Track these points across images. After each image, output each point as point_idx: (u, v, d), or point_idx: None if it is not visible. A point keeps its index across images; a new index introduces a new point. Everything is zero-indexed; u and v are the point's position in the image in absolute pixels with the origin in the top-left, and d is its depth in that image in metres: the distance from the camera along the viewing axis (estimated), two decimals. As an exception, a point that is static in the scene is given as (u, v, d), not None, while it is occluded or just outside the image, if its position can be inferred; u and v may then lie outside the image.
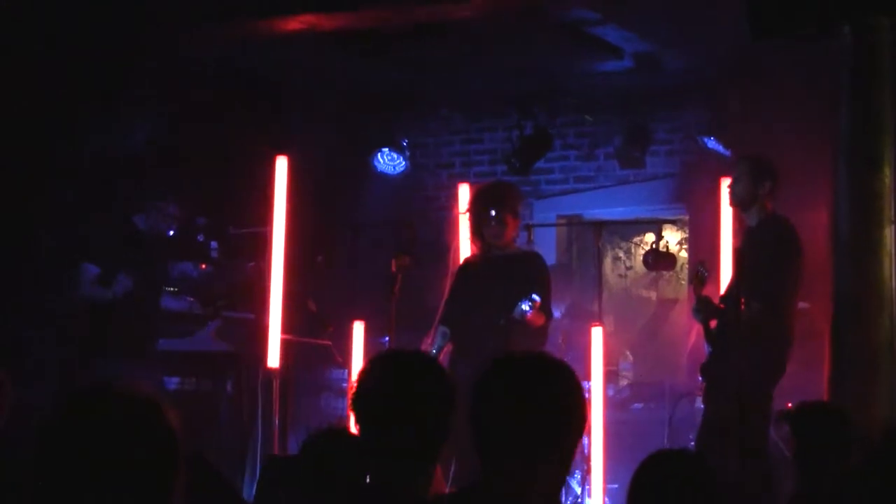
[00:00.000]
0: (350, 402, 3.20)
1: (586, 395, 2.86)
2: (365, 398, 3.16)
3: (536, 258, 7.35)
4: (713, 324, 7.01)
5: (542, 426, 2.77)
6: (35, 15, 7.43)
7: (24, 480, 2.34)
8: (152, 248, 7.62)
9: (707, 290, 7.37)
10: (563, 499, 7.85)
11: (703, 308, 6.98)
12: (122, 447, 2.21)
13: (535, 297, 6.87)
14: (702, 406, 7.27)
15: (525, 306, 6.85)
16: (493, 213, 7.18)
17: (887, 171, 6.06)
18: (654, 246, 8.50)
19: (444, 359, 7.17)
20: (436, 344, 7.25)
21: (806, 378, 7.12)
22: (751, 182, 6.95)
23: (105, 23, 7.56)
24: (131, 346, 7.37)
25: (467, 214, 7.42)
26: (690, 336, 7.64)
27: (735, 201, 7.16)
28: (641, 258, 9.08)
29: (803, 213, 7.32)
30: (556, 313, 7.98)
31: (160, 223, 7.64)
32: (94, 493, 2.19)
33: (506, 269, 7.17)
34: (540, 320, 7.01)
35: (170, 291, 8.23)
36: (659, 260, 8.41)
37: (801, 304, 7.18)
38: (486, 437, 2.83)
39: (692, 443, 7.54)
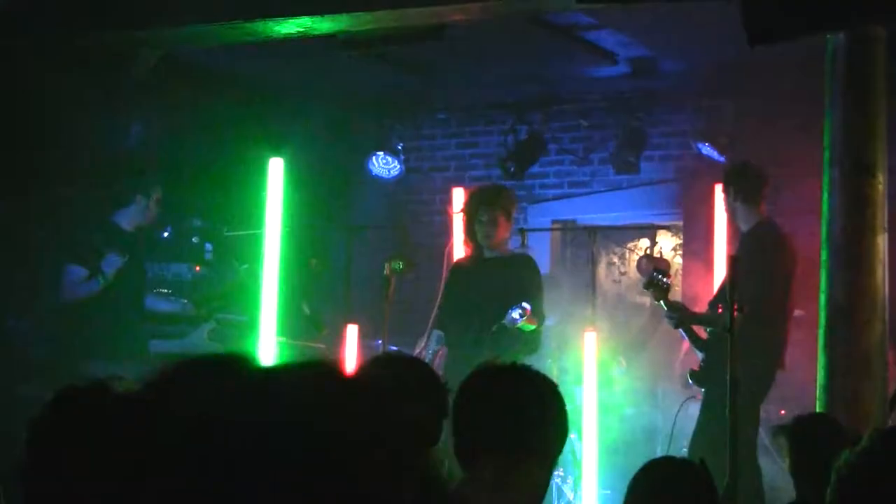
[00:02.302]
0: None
1: (564, 408, 2.86)
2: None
3: (528, 261, 7.36)
4: (702, 333, 7.06)
5: (516, 432, 2.78)
6: (30, 13, 7.42)
7: (15, 476, 2.34)
8: (136, 245, 7.58)
9: (700, 295, 7.37)
10: (556, 504, 7.85)
11: (676, 314, 7.04)
12: (115, 445, 2.21)
13: (525, 304, 6.87)
14: (695, 413, 7.28)
15: (515, 314, 6.85)
16: (485, 213, 7.19)
17: (880, 178, 6.06)
18: (648, 252, 8.51)
19: (439, 363, 7.17)
20: (430, 347, 7.26)
21: (799, 383, 7.13)
22: (724, 192, 7.16)
23: (100, 23, 7.55)
24: (120, 348, 7.36)
25: (461, 215, 7.44)
26: (683, 343, 7.64)
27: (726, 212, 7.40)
28: (635, 264, 9.08)
29: (797, 218, 7.33)
30: (550, 320, 7.98)
31: (146, 212, 7.59)
32: (86, 491, 2.20)
33: (497, 272, 7.18)
34: (532, 324, 7.01)
35: (163, 293, 8.21)
36: (652, 266, 8.41)
37: (798, 312, 7.19)
38: (464, 441, 2.84)
39: (684, 449, 7.54)
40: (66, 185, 7.99)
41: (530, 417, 2.80)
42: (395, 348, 7.43)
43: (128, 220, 7.56)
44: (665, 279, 7.10)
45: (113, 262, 7.33)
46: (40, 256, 7.72)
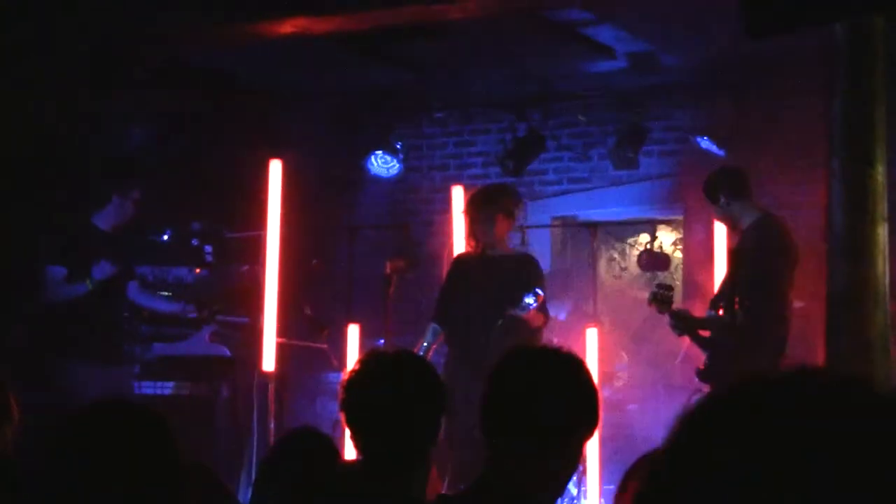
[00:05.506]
0: (339, 403, 3.19)
1: (593, 392, 2.85)
2: (354, 399, 3.15)
3: (531, 260, 7.35)
4: (705, 332, 7.05)
5: (552, 418, 2.76)
6: (29, 17, 7.42)
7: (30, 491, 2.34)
8: (117, 247, 7.54)
9: (702, 290, 7.34)
10: (559, 500, 7.82)
11: (680, 323, 7.05)
12: (130, 463, 2.21)
13: (538, 290, 6.85)
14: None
15: (529, 299, 6.81)
16: (484, 213, 7.18)
17: (880, 169, 6.04)
18: (648, 246, 8.50)
19: (436, 358, 7.15)
20: (425, 340, 7.23)
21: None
22: (711, 204, 7.13)
23: (98, 26, 7.54)
24: (103, 349, 7.34)
25: (464, 216, 7.43)
26: (685, 338, 7.63)
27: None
28: (636, 259, 9.07)
29: (798, 210, 7.32)
30: (562, 315, 7.97)
31: (122, 212, 7.53)
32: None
33: (500, 270, 7.16)
34: (539, 320, 6.99)
35: (163, 295, 8.21)
36: (653, 260, 8.41)
37: (797, 303, 7.19)
38: (495, 426, 2.81)
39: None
40: (51, 187, 7.99)
41: (558, 400, 2.78)
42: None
43: (106, 220, 7.51)
44: (668, 292, 7.11)
45: (105, 270, 7.30)
46: (23, 258, 7.69)
